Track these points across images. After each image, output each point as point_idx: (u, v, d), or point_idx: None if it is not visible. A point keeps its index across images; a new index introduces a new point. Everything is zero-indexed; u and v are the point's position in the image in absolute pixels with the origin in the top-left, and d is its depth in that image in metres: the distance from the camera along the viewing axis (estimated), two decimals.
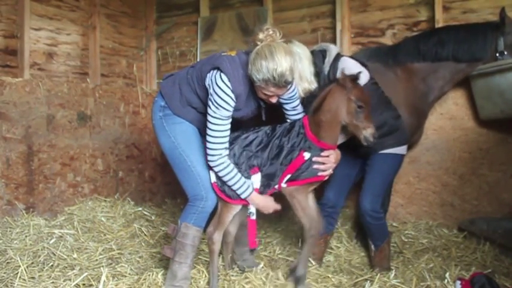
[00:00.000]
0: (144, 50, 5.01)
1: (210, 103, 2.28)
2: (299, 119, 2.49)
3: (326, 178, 2.47)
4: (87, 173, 4.03)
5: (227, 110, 2.27)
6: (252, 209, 2.47)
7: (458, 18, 3.54)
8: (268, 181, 2.43)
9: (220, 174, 2.36)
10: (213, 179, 2.43)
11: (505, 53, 2.98)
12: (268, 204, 2.47)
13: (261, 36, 2.21)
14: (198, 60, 4.62)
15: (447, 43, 3.13)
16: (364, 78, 2.67)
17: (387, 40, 3.83)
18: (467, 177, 3.47)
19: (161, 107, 2.54)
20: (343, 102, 2.34)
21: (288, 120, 2.62)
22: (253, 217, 2.48)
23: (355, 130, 2.37)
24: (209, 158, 2.34)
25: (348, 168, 2.94)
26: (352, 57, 2.84)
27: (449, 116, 3.53)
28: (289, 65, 2.15)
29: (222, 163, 2.33)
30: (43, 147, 3.69)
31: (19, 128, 3.52)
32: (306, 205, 2.45)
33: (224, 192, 2.42)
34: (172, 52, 4.92)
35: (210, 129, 2.30)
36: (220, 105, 2.25)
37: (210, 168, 2.41)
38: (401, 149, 2.84)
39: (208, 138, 2.32)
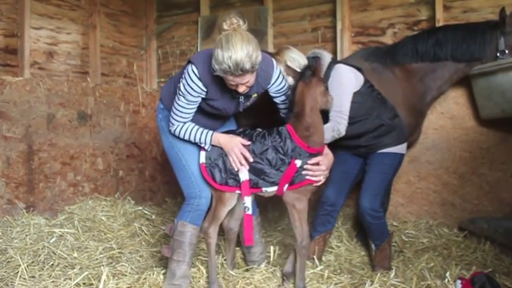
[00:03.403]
0: (144, 49, 5.00)
1: (179, 85, 2.35)
2: (283, 127, 2.41)
3: (321, 182, 2.45)
4: (87, 172, 4.03)
5: (191, 94, 2.32)
6: (247, 203, 2.40)
7: (458, 18, 3.54)
8: (259, 179, 2.39)
9: (180, 134, 2.44)
10: (202, 159, 2.46)
11: (506, 52, 2.98)
12: (232, 141, 2.37)
13: (225, 26, 2.16)
14: None
15: (445, 43, 3.13)
16: (358, 82, 2.69)
17: (388, 39, 3.83)
18: (468, 176, 3.47)
19: (161, 109, 2.63)
20: (317, 93, 2.35)
21: (282, 115, 2.63)
22: (249, 212, 2.41)
23: (324, 106, 2.40)
24: (170, 127, 2.46)
25: (348, 167, 2.94)
26: (345, 62, 2.83)
27: (449, 115, 3.53)
28: (246, 52, 2.07)
29: (178, 126, 2.43)
30: (43, 146, 3.69)
31: (19, 127, 3.52)
32: (304, 216, 2.44)
33: (213, 178, 2.42)
34: (173, 51, 4.91)
35: (174, 107, 2.39)
36: (186, 90, 2.31)
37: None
38: (400, 148, 2.84)
39: (172, 114, 2.42)
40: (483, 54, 3.06)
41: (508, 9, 3.02)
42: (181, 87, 2.33)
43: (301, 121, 2.35)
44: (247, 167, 2.38)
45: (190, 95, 2.32)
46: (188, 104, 2.36)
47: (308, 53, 2.89)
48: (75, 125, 3.94)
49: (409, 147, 3.23)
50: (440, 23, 3.55)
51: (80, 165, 3.98)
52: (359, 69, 2.77)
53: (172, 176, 4.60)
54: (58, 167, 3.80)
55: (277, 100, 2.58)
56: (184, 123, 2.42)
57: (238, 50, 2.06)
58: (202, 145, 2.43)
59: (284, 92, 2.54)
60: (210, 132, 2.40)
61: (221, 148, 2.41)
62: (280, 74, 2.47)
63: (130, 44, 4.88)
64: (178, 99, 2.36)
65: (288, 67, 2.63)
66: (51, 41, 4.08)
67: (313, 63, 2.40)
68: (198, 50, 4.68)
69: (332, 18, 4.08)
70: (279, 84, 2.48)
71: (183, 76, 2.33)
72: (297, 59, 2.68)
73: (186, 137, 2.42)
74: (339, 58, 3.83)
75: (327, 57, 2.79)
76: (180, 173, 2.53)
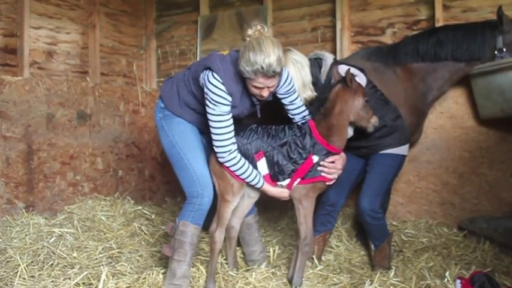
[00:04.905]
0: (144, 48, 5.00)
1: (207, 102, 2.31)
2: (305, 122, 2.49)
3: (332, 182, 2.48)
4: (87, 172, 4.03)
5: (225, 104, 2.30)
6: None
7: (458, 17, 3.55)
8: (275, 171, 2.44)
9: (232, 169, 2.41)
10: None
11: (504, 50, 2.98)
12: (282, 194, 2.52)
13: (250, 32, 2.25)
14: (197, 59, 4.62)
15: (446, 43, 3.13)
16: (361, 83, 2.69)
17: (387, 39, 3.83)
18: (467, 176, 3.47)
19: (161, 108, 2.61)
20: (354, 102, 2.40)
21: (289, 116, 2.64)
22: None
23: (362, 123, 2.44)
24: (219, 155, 2.39)
25: (349, 168, 2.93)
26: (348, 63, 2.83)
27: (449, 115, 3.53)
28: (277, 56, 2.18)
29: (233, 158, 2.38)
30: (43, 146, 3.68)
31: (19, 127, 3.52)
32: (309, 213, 2.48)
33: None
34: (172, 51, 4.91)
35: (213, 127, 2.33)
36: (217, 101, 2.28)
37: (220, 164, 2.44)
38: (401, 149, 2.84)
39: (214, 137, 2.35)
40: (483, 54, 3.07)
41: (506, 9, 3.02)
42: (211, 101, 2.29)
43: (326, 119, 2.42)
44: None
45: (223, 104, 2.29)
46: (224, 115, 2.31)
47: (310, 54, 2.89)
48: (75, 124, 3.94)
49: (410, 147, 3.24)
50: (439, 22, 3.55)
51: (80, 164, 3.98)
52: (361, 70, 2.76)
53: (172, 176, 4.61)
54: (57, 166, 3.80)
55: (285, 101, 2.58)
56: (234, 143, 2.38)
57: (271, 53, 2.16)
58: (252, 184, 2.47)
59: (291, 93, 2.56)
60: (262, 179, 2.47)
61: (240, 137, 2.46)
62: (288, 75, 2.51)
63: (130, 43, 4.88)
64: (215, 119, 2.31)
65: (336, 71, 2.65)
66: (51, 40, 4.08)
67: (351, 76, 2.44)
68: (198, 49, 4.67)
69: (332, 17, 4.08)
70: (287, 85, 2.51)
71: (206, 88, 2.29)
72: (299, 60, 2.69)
73: (240, 171, 2.41)
74: (338, 58, 3.82)
75: (329, 58, 2.80)
76: (182, 171, 2.52)
